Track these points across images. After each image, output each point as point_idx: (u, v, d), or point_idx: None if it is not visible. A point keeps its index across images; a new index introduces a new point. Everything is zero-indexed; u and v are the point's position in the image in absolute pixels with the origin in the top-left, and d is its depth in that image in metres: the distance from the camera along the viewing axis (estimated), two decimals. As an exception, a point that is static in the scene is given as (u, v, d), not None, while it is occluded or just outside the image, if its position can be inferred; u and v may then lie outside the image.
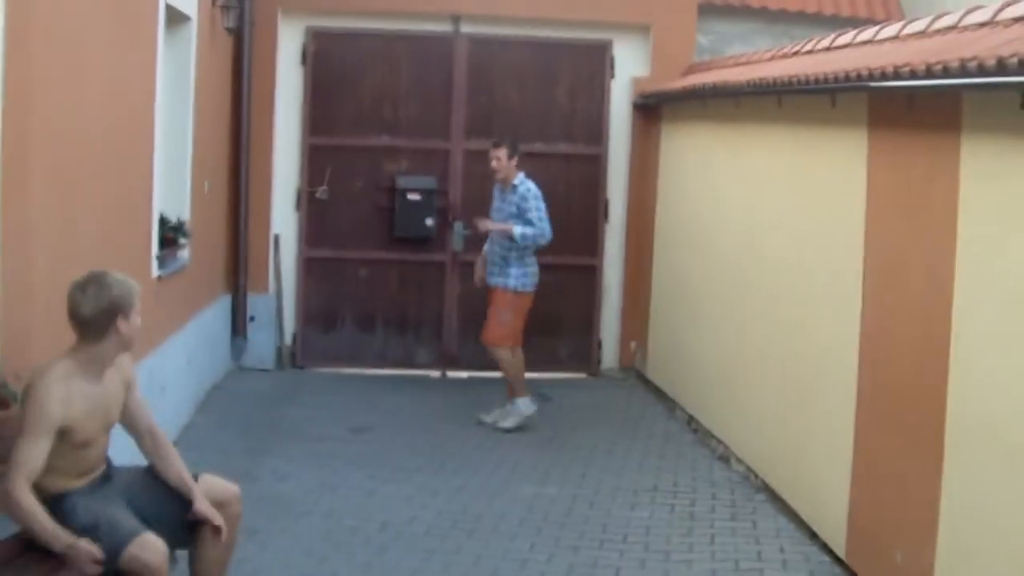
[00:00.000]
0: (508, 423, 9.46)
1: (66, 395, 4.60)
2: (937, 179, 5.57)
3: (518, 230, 9.30)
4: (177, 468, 5.05)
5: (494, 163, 9.42)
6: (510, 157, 9.42)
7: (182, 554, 5.11)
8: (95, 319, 4.69)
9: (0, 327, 4.96)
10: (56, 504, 4.65)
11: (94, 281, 4.72)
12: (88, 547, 4.47)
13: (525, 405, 9.53)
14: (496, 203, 9.63)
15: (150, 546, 4.56)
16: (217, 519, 4.94)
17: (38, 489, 4.63)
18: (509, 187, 9.44)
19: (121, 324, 4.75)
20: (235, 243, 10.81)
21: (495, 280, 9.55)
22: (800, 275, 7.36)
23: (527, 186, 9.44)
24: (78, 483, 4.73)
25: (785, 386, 7.49)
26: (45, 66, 5.42)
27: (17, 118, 5.04)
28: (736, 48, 11.62)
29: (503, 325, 9.54)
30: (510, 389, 9.60)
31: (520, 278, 9.50)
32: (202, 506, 4.97)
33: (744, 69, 8.94)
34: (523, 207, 9.36)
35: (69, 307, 4.70)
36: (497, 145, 9.45)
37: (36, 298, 5.38)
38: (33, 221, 5.33)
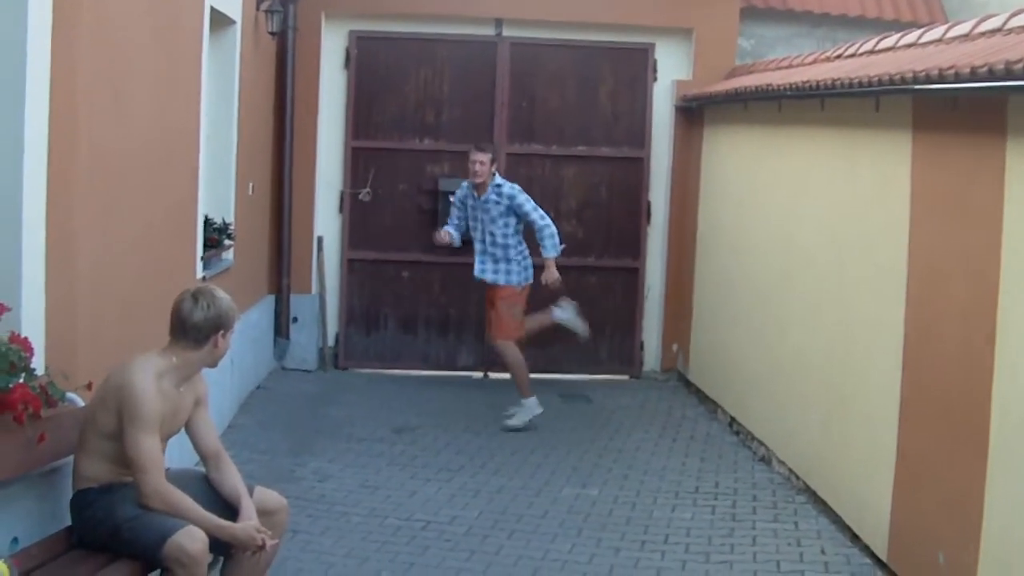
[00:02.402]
0: (516, 421, 9.53)
1: (159, 393, 4.84)
2: (982, 182, 5.55)
3: (551, 252, 9.54)
4: (233, 482, 5.14)
5: (478, 167, 9.48)
6: (492, 163, 9.55)
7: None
8: (202, 327, 4.96)
9: (47, 327, 5.02)
10: (106, 492, 4.82)
11: (206, 293, 5.02)
12: (253, 530, 4.89)
13: (534, 404, 9.62)
14: (468, 210, 9.68)
15: (194, 535, 4.64)
16: (254, 544, 4.96)
17: (92, 476, 4.78)
18: (486, 190, 9.52)
19: (220, 339, 5.02)
20: (279, 245, 10.88)
21: (497, 278, 9.62)
22: (843, 278, 7.34)
23: (512, 185, 9.58)
24: (130, 477, 4.82)
25: (827, 388, 7.48)
26: (91, 70, 5.47)
27: (64, 121, 5.10)
28: (778, 52, 11.60)
29: (514, 320, 9.66)
30: (522, 388, 9.67)
31: (521, 272, 9.62)
32: (242, 527, 4.96)
33: (786, 72, 8.92)
34: (518, 204, 9.49)
35: (177, 313, 4.98)
36: (482, 150, 9.55)
37: (81, 299, 5.44)
38: (79, 222, 5.39)
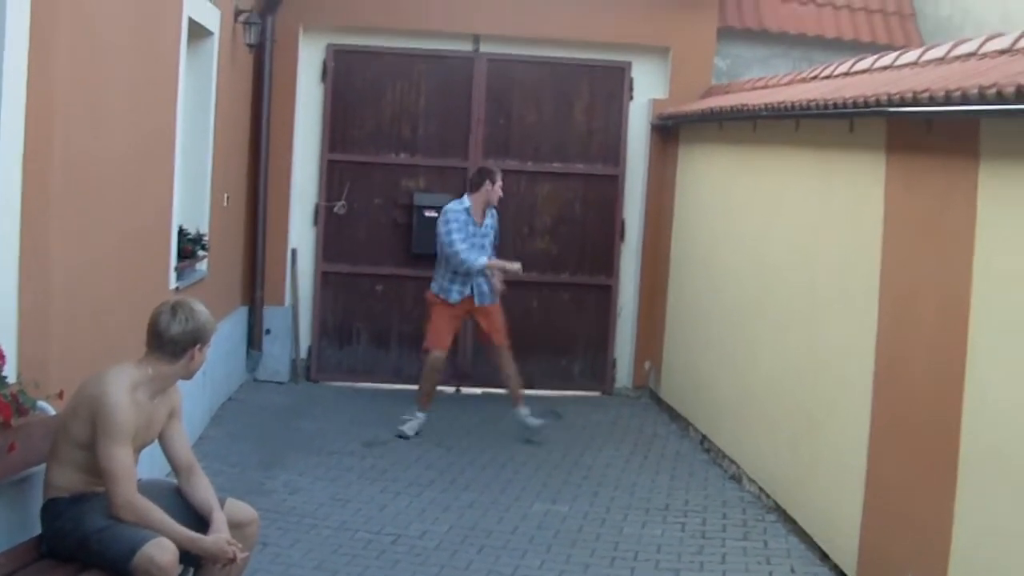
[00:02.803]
0: (533, 421, 9.71)
1: (133, 404, 4.82)
2: (955, 205, 5.59)
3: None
4: (205, 494, 5.12)
5: (501, 192, 9.62)
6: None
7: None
8: (179, 341, 4.95)
9: (19, 335, 5.00)
10: (77, 502, 4.80)
11: (184, 306, 5.01)
12: (224, 543, 4.86)
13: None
14: (481, 228, 9.64)
15: (163, 547, 4.62)
16: (225, 557, 4.93)
17: (63, 486, 4.77)
18: (489, 212, 9.64)
19: (196, 353, 5.03)
20: (252, 256, 10.87)
21: (491, 300, 9.66)
22: (814, 299, 7.37)
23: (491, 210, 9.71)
24: (101, 487, 4.80)
25: (798, 408, 7.51)
26: (67, 80, 5.46)
27: (40, 131, 5.09)
28: (754, 72, 11.64)
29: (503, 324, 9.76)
30: (518, 394, 9.77)
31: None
32: (213, 539, 4.93)
33: (762, 92, 8.98)
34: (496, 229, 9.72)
35: (154, 325, 4.96)
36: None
37: (55, 309, 5.42)
38: (52, 233, 5.38)
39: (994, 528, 5.04)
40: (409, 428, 9.57)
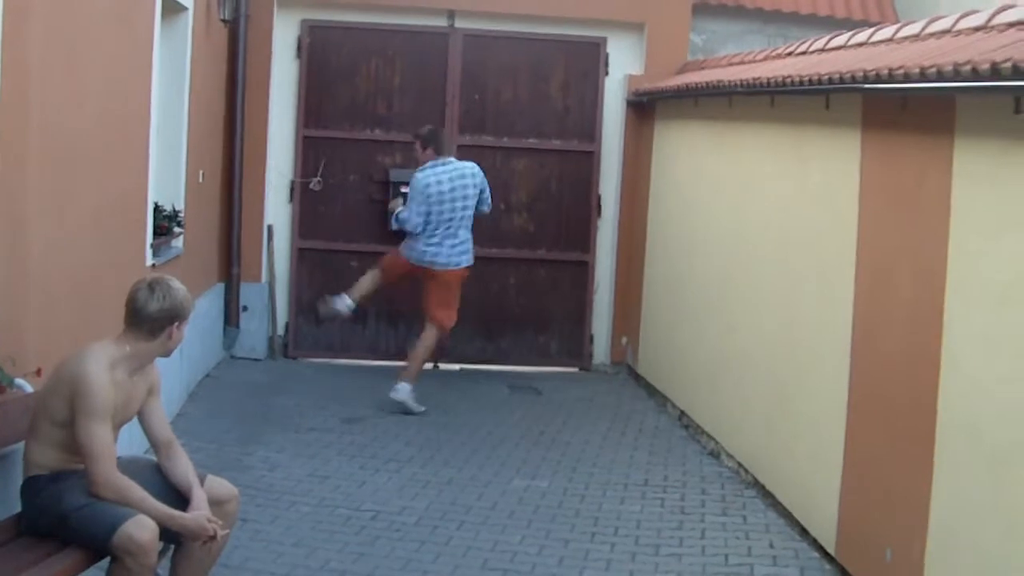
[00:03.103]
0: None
1: (112, 382, 4.82)
2: (930, 182, 5.62)
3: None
4: (184, 471, 5.13)
5: None
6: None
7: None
8: (157, 318, 4.95)
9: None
10: (56, 480, 4.80)
11: (162, 284, 5.00)
12: (204, 520, 4.90)
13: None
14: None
15: (143, 525, 4.64)
16: (205, 534, 4.95)
17: (42, 464, 4.76)
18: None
19: (174, 330, 5.03)
20: (228, 233, 10.84)
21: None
22: (790, 275, 7.41)
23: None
24: (81, 465, 4.80)
25: (775, 383, 7.54)
26: (41, 56, 5.44)
27: (13, 108, 5.07)
28: (730, 48, 11.66)
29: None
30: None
31: None
32: (193, 517, 4.95)
33: (738, 69, 8.98)
34: None
35: (132, 303, 4.96)
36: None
37: (31, 286, 5.42)
38: (28, 210, 5.36)
39: (971, 502, 5.08)
40: (416, 405, 9.64)
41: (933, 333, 5.45)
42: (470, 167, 9.72)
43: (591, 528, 7.10)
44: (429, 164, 9.64)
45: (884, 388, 6.01)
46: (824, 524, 6.60)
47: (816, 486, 6.75)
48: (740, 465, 8.11)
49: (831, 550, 6.50)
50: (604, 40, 11.41)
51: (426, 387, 10.10)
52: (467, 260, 9.72)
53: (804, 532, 6.91)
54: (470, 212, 9.64)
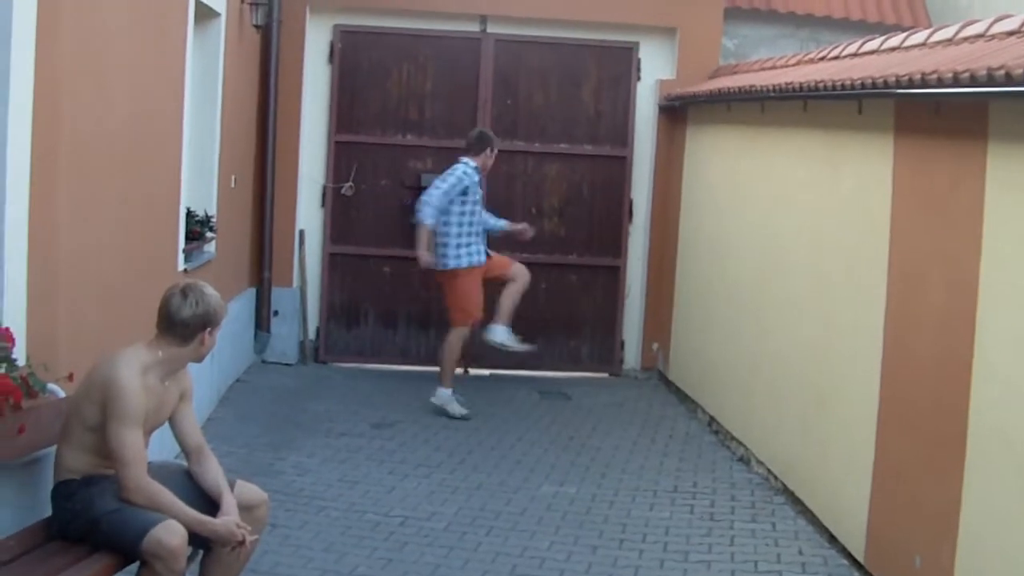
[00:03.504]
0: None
1: (144, 387, 4.84)
2: (963, 187, 5.58)
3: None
4: (215, 476, 5.15)
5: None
6: None
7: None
8: (190, 324, 4.97)
9: (28, 318, 5.01)
10: (87, 484, 4.82)
11: (195, 290, 5.02)
12: (233, 526, 4.89)
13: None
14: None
15: (172, 530, 4.65)
16: (234, 540, 4.96)
17: (74, 468, 4.79)
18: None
19: (207, 336, 5.04)
20: (260, 238, 10.87)
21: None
22: (823, 280, 7.37)
23: None
24: (112, 470, 4.82)
25: (806, 390, 7.51)
26: (75, 63, 5.46)
27: (47, 114, 5.09)
28: (762, 52, 11.64)
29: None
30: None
31: None
32: (223, 522, 4.96)
33: (770, 73, 8.95)
34: None
35: (165, 308, 4.98)
36: None
37: (62, 292, 5.44)
38: (61, 216, 5.39)
39: (1001, 509, 5.04)
40: (455, 410, 9.68)
41: (965, 339, 5.42)
42: None
43: (620, 535, 7.08)
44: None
45: (915, 394, 5.97)
46: (853, 531, 6.56)
47: (846, 492, 6.71)
48: (770, 472, 8.07)
49: (860, 557, 6.46)
50: (636, 45, 11.38)
51: (456, 393, 10.11)
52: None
53: (833, 539, 6.88)
54: None
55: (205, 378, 8.51)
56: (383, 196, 11.31)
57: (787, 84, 7.70)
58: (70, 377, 5.02)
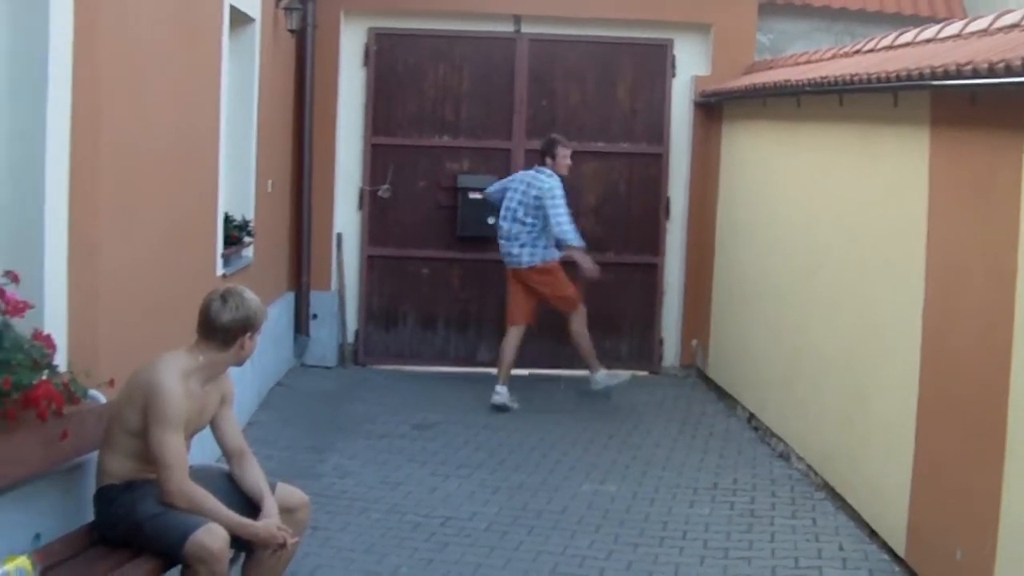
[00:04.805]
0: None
1: (185, 392, 4.87)
2: (1000, 178, 5.54)
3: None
4: (256, 479, 5.18)
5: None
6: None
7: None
8: (230, 328, 5.00)
9: (69, 324, 5.06)
10: (129, 489, 4.87)
11: (235, 294, 5.05)
12: (275, 528, 4.95)
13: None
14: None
15: (215, 533, 4.69)
16: (275, 542, 5.00)
17: (116, 473, 4.83)
18: None
19: (247, 340, 5.07)
20: (298, 241, 10.92)
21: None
22: (861, 274, 7.34)
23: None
24: (154, 474, 4.86)
25: (845, 385, 7.48)
26: (112, 69, 5.51)
27: (86, 121, 5.14)
28: (797, 47, 11.59)
29: None
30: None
31: None
32: (264, 525, 5.00)
33: (805, 68, 8.92)
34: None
35: (205, 313, 5.01)
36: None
37: (103, 296, 5.49)
38: (101, 220, 5.44)
39: (1044, 503, 5.01)
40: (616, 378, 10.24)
41: (1004, 330, 5.38)
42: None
43: (660, 532, 7.08)
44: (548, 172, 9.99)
45: (955, 386, 5.94)
46: (894, 525, 6.53)
47: (886, 487, 6.68)
48: (810, 467, 8.04)
49: (901, 552, 6.43)
50: (671, 42, 11.37)
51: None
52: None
53: (874, 534, 6.85)
54: None
55: (246, 382, 8.56)
56: (420, 198, 11.34)
57: (822, 78, 7.67)
58: (111, 383, 5.06)
